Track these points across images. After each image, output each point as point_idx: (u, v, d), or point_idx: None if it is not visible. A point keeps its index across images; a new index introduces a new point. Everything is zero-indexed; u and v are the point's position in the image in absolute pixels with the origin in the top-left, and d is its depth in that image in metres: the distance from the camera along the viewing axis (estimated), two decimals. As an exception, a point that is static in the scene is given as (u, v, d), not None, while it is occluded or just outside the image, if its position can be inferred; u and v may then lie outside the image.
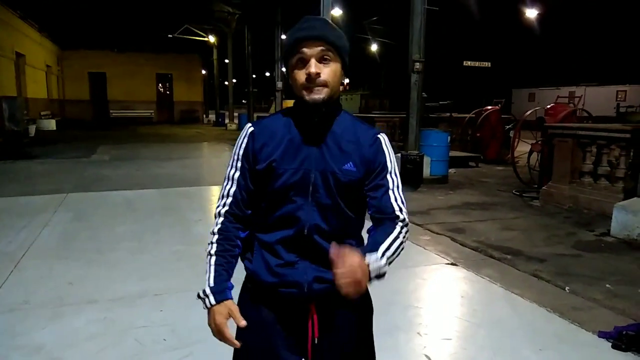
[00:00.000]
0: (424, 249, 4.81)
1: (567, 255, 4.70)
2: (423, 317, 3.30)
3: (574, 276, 4.11)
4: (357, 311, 1.46)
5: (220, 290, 1.37)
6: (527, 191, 7.78)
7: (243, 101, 36.26)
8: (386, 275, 1.29)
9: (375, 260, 1.26)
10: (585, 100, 24.47)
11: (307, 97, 1.34)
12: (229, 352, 1.46)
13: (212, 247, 1.42)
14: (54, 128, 21.11)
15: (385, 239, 1.34)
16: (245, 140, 1.42)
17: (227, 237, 1.42)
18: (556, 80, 29.64)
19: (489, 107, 12.71)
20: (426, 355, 2.73)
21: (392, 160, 1.45)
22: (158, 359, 2.67)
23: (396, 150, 11.59)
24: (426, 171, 8.86)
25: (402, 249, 1.38)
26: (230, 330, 1.36)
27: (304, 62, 1.33)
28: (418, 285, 3.91)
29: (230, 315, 1.35)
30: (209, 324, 1.36)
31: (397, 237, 1.37)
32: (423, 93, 9.88)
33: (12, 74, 17.56)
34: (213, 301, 1.35)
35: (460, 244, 4.99)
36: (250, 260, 1.43)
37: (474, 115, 12.73)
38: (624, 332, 2.96)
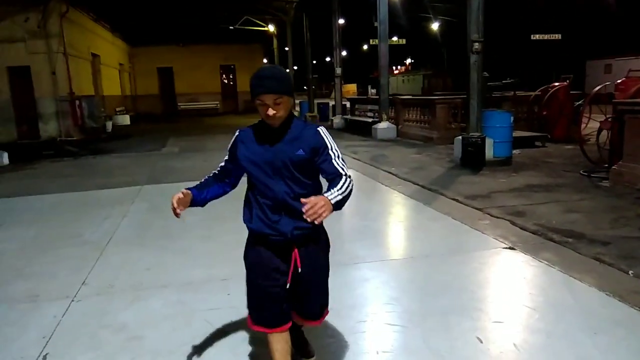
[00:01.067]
0: (482, 233, 4.81)
1: (633, 238, 4.53)
2: (477, 300, 3.36)
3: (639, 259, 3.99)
4: (321, 245, 2.28)
5: (190, 188, 2.30)
6: (595, 171, 7.45)
7: (304, 87, 36.53)
8: (343, 207, 2.04)
9: (331, 194, 2.00)
10: (668, 70, 22.57)
11: (269, 122, 2.10)
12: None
13: (207, 176, 2.40)
14: (128, 123, 22.44)
15: (337, 185, 2.06)
16: (233, 140, 2.26)
17: (216, 178, 2.39)
18: (635, 48, 27.54)
19: (557, 84, 12.14)
20: (478, 338, 2.81)
21: (330, 142, 2.18)
22: (227, 338, 2.93)
23: (458, 132, 11.41)
24: (489, 153, 8.70)
25: (350, 190, 2.08)
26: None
27: (264, 104, 2.04)
28: (474, 270, 3.95)
29: (182, 194, 2.23)
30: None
31: (344, 183, 2.08)
32: (485, 72, 9.65)
33: (89, 74, 18.81)
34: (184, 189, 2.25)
35: (520, 228, 4.93)
36: (250, 221, 2.23)
37: (540, 93, 12.22)
38: (688, 317, 2.89)
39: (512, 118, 9.36)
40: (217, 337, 2.94)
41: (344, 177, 2.09)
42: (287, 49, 27.10)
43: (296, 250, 2.17)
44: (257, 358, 2.71)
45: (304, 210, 1.89)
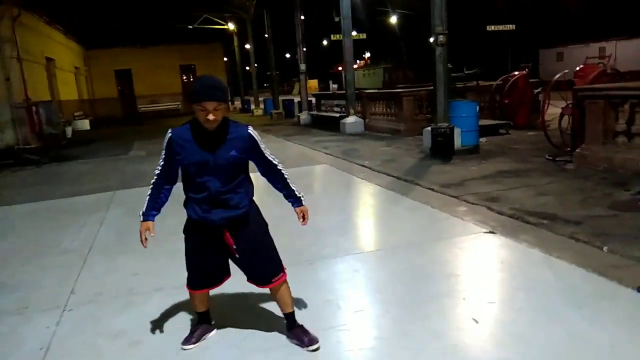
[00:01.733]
0: (462, 219, 4.97)
1: (604, 216, 4.79)
2: (466, 283, 3.50)
3: (612, 236, 4.22)
4: (252, 223, 2.65)
5: (147, 214, 2.69)
6: (559, 155, 7.78)
7: (264, 85, 36.12)
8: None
9: (297, 194, 2.75)
10: (617, 55, 23.66)
11: (206, 126, 2.40)
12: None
13: (149, 191, 2.68)
14: (88, 128, 21.82)
15: (288, 186, 2.73)
16: (167, 141, 2.55)
17: (158, 187, 2.67)
18: (585, 36, 28.70)
19: (516, 73, 12.55)
20: (474, 319, 2.94)
21: (259, 140, 2.60)
22: (229, 336, 2.95)
23: (425, 123, 11.65)
24: (457, 142, 8.93)
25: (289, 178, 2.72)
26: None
27: (205, 110, 2.35)
28: (459, 255, 4.10)
29: (147, 229, 2.69)
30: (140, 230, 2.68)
31: (287, 178, 2.72)
32: (448, 64, 9.87)
33: (44, 78, 18.18)
34: (142, 219, 2.69)
35: (497, 213, 5.12)
36: (187, 209, 2.62)
37: (501, 82, 12.60)
38: (663, 287, 3.10)
39: (477, 107, 9.63)
40: (219, 336, 2.96)
41: (281, 172, 2.69)
42: (247, 46, 26.95)
43: (227, 233, 2.59)
44: (262, 352, 2.74)
45: (302, 224, 2.79)
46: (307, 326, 2.81)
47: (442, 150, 8.64)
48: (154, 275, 4.00)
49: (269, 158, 2.65)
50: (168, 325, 3.13)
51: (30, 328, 3.22)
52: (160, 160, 2.62)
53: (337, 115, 14.82)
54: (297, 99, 22.73)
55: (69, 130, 18.66)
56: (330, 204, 6.02)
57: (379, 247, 4.45)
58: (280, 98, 23.18)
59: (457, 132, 8.92)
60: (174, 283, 3.79)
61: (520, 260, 3.87)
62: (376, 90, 14.83)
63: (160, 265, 4.24)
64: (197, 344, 2.81)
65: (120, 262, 4.36)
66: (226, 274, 2.80)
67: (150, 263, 4.30)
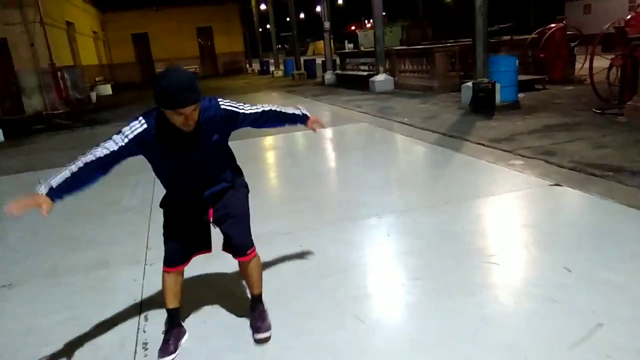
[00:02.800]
0: (522, 173, 4.90)
1: (671, 168, 4.68)
2: (548, 234, 3.46)
3: (685, 186, 4.13)
4: (233, 190, 2.47)
5: (54, 191, 2.07)
6: (607, 108, 7.58)
7: (279, 46, 35.41)
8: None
9: (307, 113, 2.72)
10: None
11: (184, 129, 2.09)
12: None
13: (75, 167, 2.14)
14: (110, 92, 21.82)
15: (286, 115, 2.64)
16: (136, 134, 2.15)
17: (97, 165, 2.18)
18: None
19: (553, 25, 12.12)
20: (566, 268, 2.91)
21: (233, 105, 2.32)
22: (316, 284, 2.97)
23: (458, 79, 11.40)
24: (497, 98, 8.74)
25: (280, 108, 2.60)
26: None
27: (182, 114, 2.01)
28: (529, 207, 4.06)
29: (41, 203, 2.01)
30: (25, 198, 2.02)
31: (281, 110, 2.59)
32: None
33: (66, 43, 18.08)
34: (42, 190, 2.05)
35: (557, 166, 5.03)
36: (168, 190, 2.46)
37: (536, 36, 12.21)
38: None
39: (517, 62, 9.37)
40: (305, 282, 2.98)
41: (271, 111, 2.51)
42: (263, 7, 26.40)
43: (211, 205, 2.42)
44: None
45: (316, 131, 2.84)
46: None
47: (483, 105, 8.47)
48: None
49: (253, 112, 2.39)
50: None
51: (117, 281, 3.28)
52: (112, 142, 2.15)
53: (365, 73, 14.57)
54: (318, 59, 22.39)
55: (93, 96, 18.70)
56: (378, 162, 5.97)
57: (446, 201, 4.38)
58: (303, 58, 22.82)
59: (497, 87, 8.71)
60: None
61: (597, 211, 3.81)
62: (406, 47, 14.47)
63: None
64: (176, 352, 2.41)
65: (186, 218, 4.38)
66: (207, 247, 2.57)
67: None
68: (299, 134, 7.92)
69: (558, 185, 4.43)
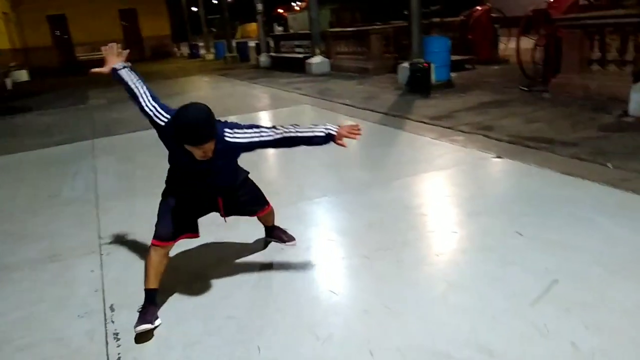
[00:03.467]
0: (464, 147, 5.14)
1: (596, 138, 5.09)
2: (500, 201, 3.68)
3: (610, 154, 4.51)
4: (239, 183, 2.72)
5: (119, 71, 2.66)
6: (533, 86, 8.07)
7: (212, 29, 34.04)
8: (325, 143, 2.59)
9: (332, 130, 2.54)
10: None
11: (202, 159, 2.27)
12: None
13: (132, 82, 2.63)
14: (28, 79, 20.34)
15: (305, 136, 2.50)
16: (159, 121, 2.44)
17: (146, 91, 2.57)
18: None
19: (479, 8, 12.66)
20: (518, 232, 3.12)
21: (244, 136, 2.38)
22: (286, 262, 3.00)
23: (393, 61, 11.67)
24: (432, 78, 9.04)
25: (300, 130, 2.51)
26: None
27: (201, 148, 2.20)
28: (478, 177, 4.28)
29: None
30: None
31: (299, 132, 2.48)
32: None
33: (-26, 25, 16.60)
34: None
35: (495, 140, 5.32)
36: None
37: (464, 18, 12.70)
38: (676, 193, 3.39)
39: (449, 43, 9.72)
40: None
41: (283, 135, 2.43)
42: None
43: (220, 199, 2.65)
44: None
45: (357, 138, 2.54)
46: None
47: (420, 85, 8.73)
48: (181, 216, 3.93)
49: (264, 140, 2.41)
50: (226, 255, 3.13)
51: (73, 274, 3.13)
52: (145, 100, 2.53)
53: (301, 56, 14.52)
54: (251, 43, 22.05)
55: (8, 82, 17.32)
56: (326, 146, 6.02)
57: (398, 177, 4.50)
58: (235, 41, 22.35)
59: (432, 67, 9.01)
60: (209, 219, 3.76)
61: (537, 180, 4.08)
62: (341, 29, 14.54)
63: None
64: (154, 324, 2.41)
65: (138, 206, 4.22)
66: (196, 231, 2.74)
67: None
68: (243, 117, 7.81)
69: (499, 157, 4.70)
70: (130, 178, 5.12)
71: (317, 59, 13.26)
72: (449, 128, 6.03)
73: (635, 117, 5.58)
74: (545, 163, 4.40)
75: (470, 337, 2.19)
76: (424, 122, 6.45)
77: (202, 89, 13.11)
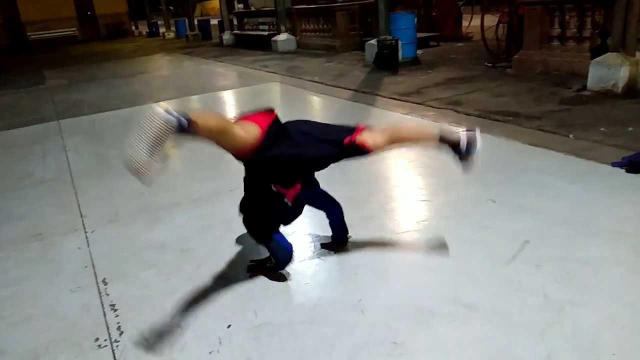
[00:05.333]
0: (435, 122, 5.31)
1: (558, 111, 5.35)
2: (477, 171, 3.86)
3: (571, 126, 4.77)
4: None
5: None
6: (497, 62, 8.33)
7: (160, 8, 32.66)
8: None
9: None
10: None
11: None
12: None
13: None
14: (-26, 59, 19.36)
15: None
16: None
17: None
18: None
19: (442, -16, 12.81)
20: (491, 199, 3.31)
21: None
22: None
23: (359, 38, 11.74)
24: (399, 55, 9.17)
25: None
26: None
27: None
28: (449, 150, 4.44)
29: None
30: None
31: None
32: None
33: None
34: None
35: (464, 114, 5.52)
36: None
37: (427, -6, 12.85)
38: (632, 160, 3.65)
39: (415, 19, 9.85)
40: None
41: None
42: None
43: None
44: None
45: None
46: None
47: (388, 62, 8.86)
48: (162, 193, 3.93)
49: None
50: (208, 231, 3.19)
51: (59, 251, 3.13)
52: None
53: (266, 33, 14.39)
54: (213, 20, 21.61)
55: (-45, 63, 16.47)
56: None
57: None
58: (197, 19, 21.83)
59: (399, 44, 9.13)
60: (189, 197, 3.82)
61: (506, 151, 4.29)
62: (306, 6, 14.45)
63: (162, 183, 4.18)
64: None
65: (116, 184, 4.20)
66: None
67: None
68: (218, 95, 7.79)
69: (469, 130, 4.88)
70: (103, 158, 5.06)
71: (283, 37, 13.18)
72: (419, 104, 6.20)
73: (593, 91, 5.88)
74: (512, 135, 4.63)
75: (451, 294, 2.35)
76: (395, 99, 6.60)
77: (166, 68, 12.86)
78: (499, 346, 1.99)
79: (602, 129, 4.61)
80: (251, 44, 15.08)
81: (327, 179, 3.96)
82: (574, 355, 1.92)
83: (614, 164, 3.69)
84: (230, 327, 2.24)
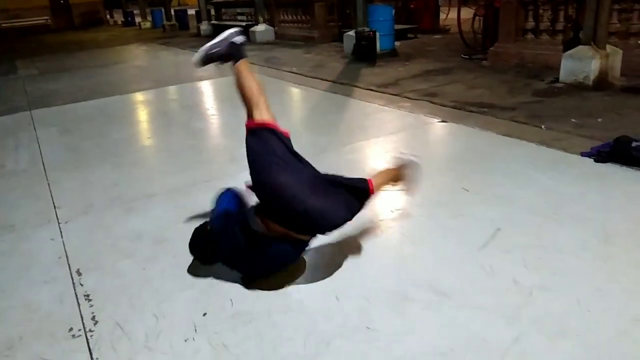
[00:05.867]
0: (411, 112, 5.37)
1: (531, 102, 5.46)
2: (447, 162, 3.92)
3: (544, 117, 4.88)
4: None
5: None
6: (473, 54, 8.43)
7: None
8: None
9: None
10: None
11: None
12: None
13: None
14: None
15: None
16: None
17: None
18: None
19: (421, -23, 12.87)
20: (464, 188, 3.37)
21: None
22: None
23: (337, 29, 11.74)
24: (377, 46, 9.21)
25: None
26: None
27: None
28: (427, 141, 4.52)
29: None
30: None
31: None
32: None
33: None
34: None
35: (440, 105, 5.59)
36: None
37: (406, -13, 12.90)
38: (600, 150, 3.75)
39: (393, 11, 9.89)
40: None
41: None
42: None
43: None
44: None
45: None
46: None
47: (366, 54, 8.89)
48: (137, 184, 3.92)
49: None
50: (184, 222, 3.18)
51: (31, 243, 3.08)
52: None
53: (244, 24, 14.24)
54: (190, 10, 21.33)
55: None
56: (278, 110, 6.01)
57: (351, 142, 4.63)
58: (174, 9, 21.49)
59: (377, 35, 9.16)
60: (165, 187, 3.80)
61: (480, 141, 4.37)
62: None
63: (139, 174, 4.17)
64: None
65: (90, 176, 4.16)
66: None
67: (124, 173, 4.19)
68: (196, 85, 7.72)
69: (444, 121, 4.96)
70: (77, 149, 4.98)
71: (261, 27, 13.10)
72: (396, 95, 6.24)
73: (565, 84, 6.01)
74: (486, 126, 4.71)
75: (426, 280, 2.40)
76: (372, 90, 6.63)
77: (142, 59, 12.65)
78: (471, 330, 2.05)
79: (573, 120, 4.72)
80: (229, 35, 14.91)
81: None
82: (541, 337, 1.98)
83: (583, 154, 3.79)
84: (206, 315, 2.25)
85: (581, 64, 5.85)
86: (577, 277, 2.35)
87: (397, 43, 10.19)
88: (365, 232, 2.91)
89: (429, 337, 2.03)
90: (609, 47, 5.96)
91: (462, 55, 8.49)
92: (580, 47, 5.94)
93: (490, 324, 2.08)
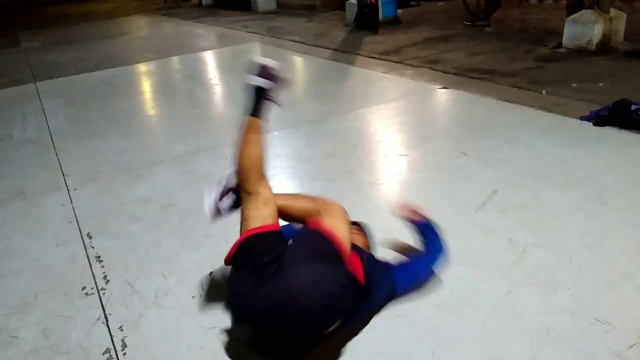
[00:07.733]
0: (413, 80, 5.38)
1: (532, 68, 5.45)
2: (448, 126, 3.97)
3: (545, 82, 4.89)
4: None
5: None
6: (476, 21, 8.34)
7: None
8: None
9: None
10: None
11: None
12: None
13: None
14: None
15: None
16: None
17: None
18: None
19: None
20: (463, 152, 3.43)
21: None
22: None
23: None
24: (380, 14, 9.11)
25: None
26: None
27: None
28: (429, 107, 4.55)
29: None
30: None
31: None
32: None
33: None
34: None
35: (441, 72, 5.59)
36: None
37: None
38: (599, 114, 3.79)
39: (395, -22, 9.72)
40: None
41: None
42: None
43: None
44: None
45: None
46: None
47: (368, 22, 8.80)
48: (143, 152, 4.00)
49: None
50: (189, 189, 3.27)
51: (43, 209, 3.19)
52: None
53: (246, -7, 14.08)
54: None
55: None
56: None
57: (353, 110, 4.67)
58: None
59: (379, 3, 9.05)
60: (171, 154, 3.88)
61: (480, 107, 4.41)
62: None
63: (146, 142, 4.25)
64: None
65: (97, 144, 4.25)
66: None
67: (132, 141, 4.27)
68: (199, 55, 7.71)
69: (445, 88, 4.98)
70: (83, 119, 5.04)
71: (263, -4, 12.94)
72: (397, 62, 6.23)
73: (568, 49, 5.98)
74: (487, 92, 4.73)
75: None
76: (374, 57, 6.62)
77: (144, 30, 12.55)
78: (465, 284, 2.14)
79: (574, 84, 4.73)
80: (231, 5, 14.75)
81: (307, 137, 4.06)
82: (532, 289, 2.08)
83: (582, 118, 3.83)
84: (212, 274, 2.35)
85: (584, 28, 5.81)
86: (570, 236, 2.43)
87: (399, 11, 10.05)
88: (366, 195, 2.99)
89: (426, 292, 2.12)
90: (612, 11, 5.90)
91: (465, 22, 8.40)
92: (583, 11, 5.89)
93: (484, 279, 2.17)
